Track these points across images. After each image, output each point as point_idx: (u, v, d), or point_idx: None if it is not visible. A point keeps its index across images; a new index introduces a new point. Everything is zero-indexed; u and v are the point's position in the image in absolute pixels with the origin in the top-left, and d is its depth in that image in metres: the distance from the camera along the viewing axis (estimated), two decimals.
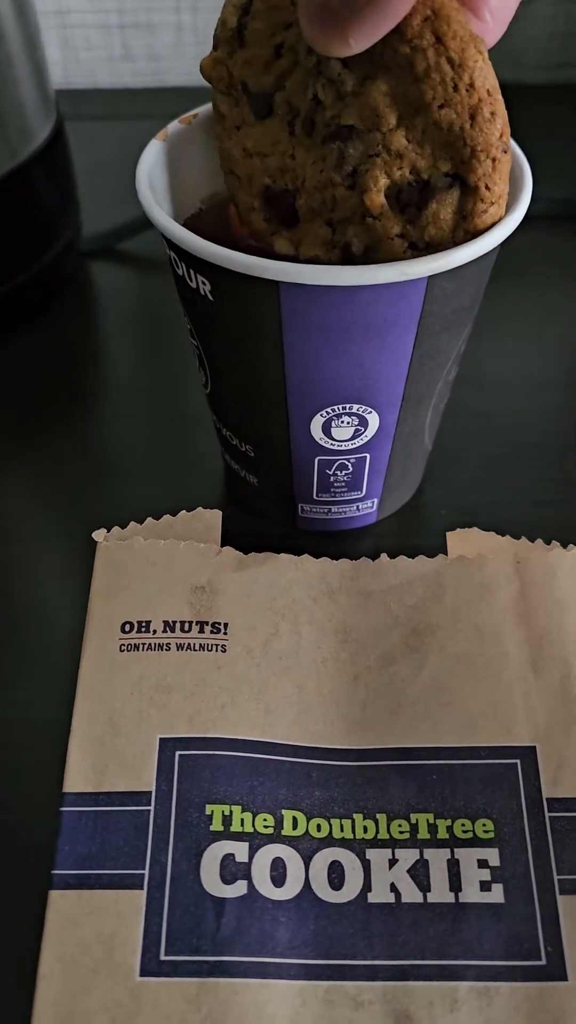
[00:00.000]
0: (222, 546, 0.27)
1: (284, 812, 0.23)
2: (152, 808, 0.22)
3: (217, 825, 0.22)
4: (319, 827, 0.23)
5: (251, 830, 0.22)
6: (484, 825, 0.23)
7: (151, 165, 0.27)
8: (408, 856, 0.22)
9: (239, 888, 0.22)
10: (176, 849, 0.22)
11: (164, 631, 0.25)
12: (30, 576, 0.31)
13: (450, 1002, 0.20)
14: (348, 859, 0.22)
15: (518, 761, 0.23)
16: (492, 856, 0.22)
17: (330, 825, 0.23)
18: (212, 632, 0.25)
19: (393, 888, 0.22)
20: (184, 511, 0.28)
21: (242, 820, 0.22)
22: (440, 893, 0.22)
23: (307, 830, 0.23)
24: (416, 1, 0.20)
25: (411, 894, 0.22)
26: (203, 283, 0.25)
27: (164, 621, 0.25)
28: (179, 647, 0.25)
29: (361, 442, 0.28)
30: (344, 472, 0.29)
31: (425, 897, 0.22)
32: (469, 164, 0.22)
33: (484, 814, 0.23)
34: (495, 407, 0.36)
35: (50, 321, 0.41)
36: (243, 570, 0.26)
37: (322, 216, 0.24)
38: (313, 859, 0.22)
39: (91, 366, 0.39)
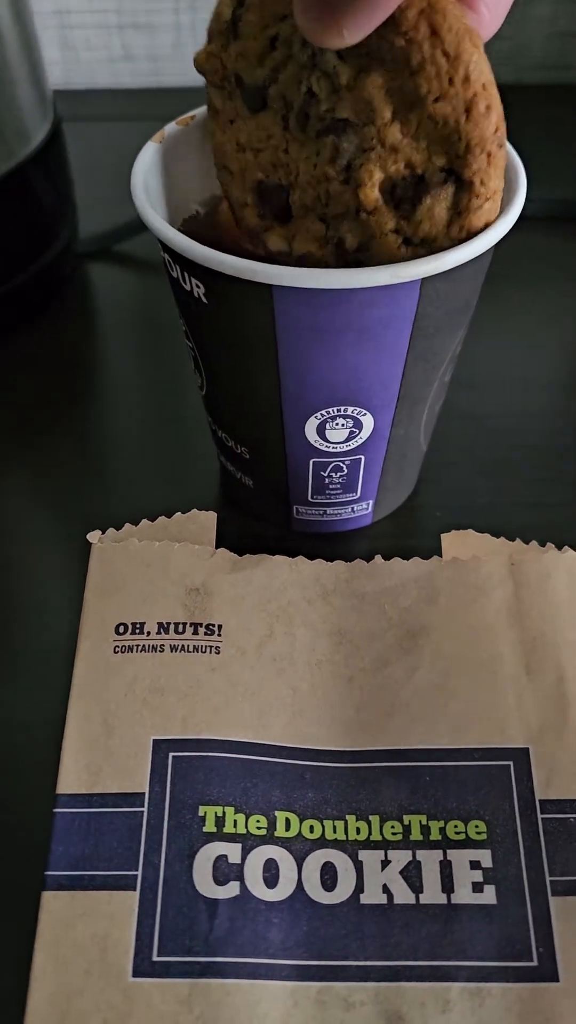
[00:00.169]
0: (217, 548, 0.27)
1: (277, 813, 0.23)
2: (145, 809, 0.23)
3: (210, 826, 0.22)
4: (312, 828, 0.23)
5: (244, 831, 0.22)
6: (477, 826, 0.23)
7: (147, 167, 0.27)
8: (401, 857, 0.22)
9: (232, 889, 0.22)
10: (169, 850, 0.22)
11: (158, 633, 0.25)
12: (26, 577, 0.31)
13: (442, 1003, 0.20)
14: (341, 860, 0.22)
15: (511, 763, 0.23)
16: (485, 857, 0.22)
17: (323, 826, 0.23)
18: (206, 634, 0.25)
19: (385, 889, 0.22)
20: (179, 513, 0.28)
21: (235, 821, 0.22)
22: (432, 894, 0.22)
23: (300, 831, 0.23)
24: None
25: (403, 895, 0.22)
26: (197, 286, 0.25)
27: (158, 623, 0.25)
28: (173, 649, 0.25)
29: (356, 444, 0.28)
30: (339, 474, 0.29)
31: (417, 898, 0.22)
32: (464, 159, 0.21)
33: (477, 815, 0.23)
34: (491, 409, 0.36)
35: (48, 322, 0.41)
36: (237, 572, 0.26)
37: (315, 212, 0.24)
38: (306, 860, 0.22)
39: (89, 367, 0.39)
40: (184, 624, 0.25)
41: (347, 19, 0.19)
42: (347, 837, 0.23)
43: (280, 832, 0.23)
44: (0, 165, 0.36)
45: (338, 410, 0.26)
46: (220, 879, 0.22)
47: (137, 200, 0.25)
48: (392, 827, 0.23)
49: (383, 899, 0.22)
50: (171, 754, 0.23)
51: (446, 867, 0.22)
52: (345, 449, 0.28)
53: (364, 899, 0.22)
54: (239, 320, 0.24)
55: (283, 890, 0.22)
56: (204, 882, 0.22)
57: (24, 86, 0.36)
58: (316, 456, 0.28)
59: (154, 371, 0.39)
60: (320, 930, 0.21)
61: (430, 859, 0.22)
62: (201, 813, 0.22)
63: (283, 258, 0.25)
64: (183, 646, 0.25)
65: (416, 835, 0.23)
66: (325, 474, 0.29)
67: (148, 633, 0.25)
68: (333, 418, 0.27)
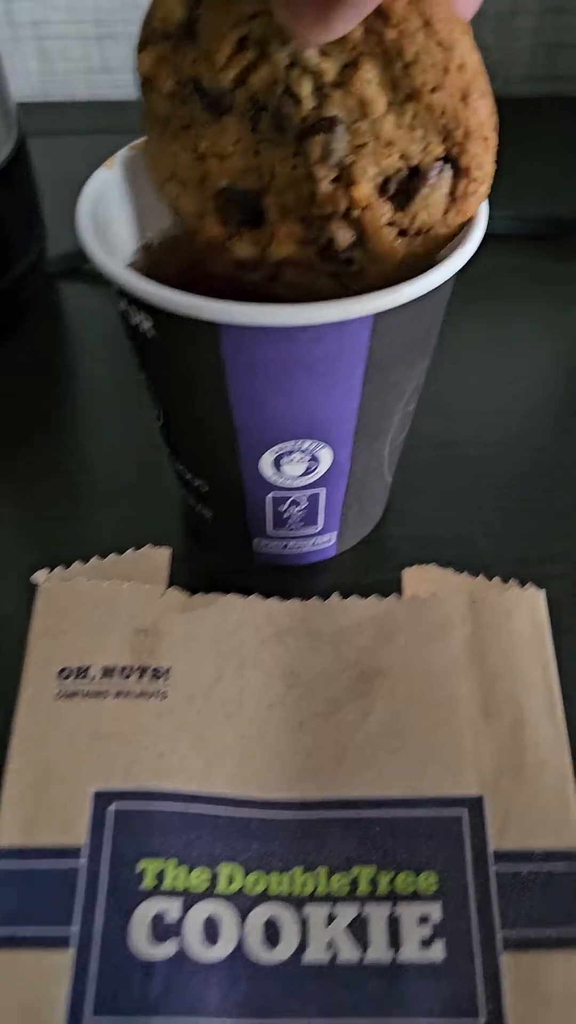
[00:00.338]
0: (175, 582, 0.27)
1: (221, 867, 0.22)
2: (84, 864, 0.22)
3: (149, 882, 0.22)
4: (256, 882, 0.22)
5: (184, 887, 0.22)
6: (427, 878, 0.22)
7: (97, 195, 0.26)
8: (347, 912, 0.22)
9: (169, 948, 0.21)
10: (106, 908, 0.21)
11: (103, 677, 0.24)
12: None
13: None
14: (285, 916, 0.22)
15: (465, 811, 0.23)
16: (434, 911, 0.22)
17: (268, 880, 0.22)
18: (153, 678, 0.24)
19: (331, 946, 0.21)
20: (131, 549, 0.27)
21: (176, 876, 0.22)
22: (379, 951, 0.21)
23: (244, 885, 0.22)
24: None
25: (349, 952, 0.21)
26: (144, 320, 0.24)
27: (103, 667, 0.24)
28: (118, 694, 0.24)
29: (314, 478, 0.27)
30: (298, 508, 0.28)
31: (363, 955, 0.21)
32: (463, 145, 0.21)
33: (427, 867, 0.22)
34: (460, 436, 0.36)
35: (15, 343, 0.40)
36: (188, 612, 0.26)
37: (295, 213, 0.23)
38: (249, 915, 0.22)
39: (55, 392, 0.38)
40: (130, 668, 0.24)
41: (337, 10, 0.18)
42: (293, 891, 0.22)
43: (223, 887, 0.22)
44: None
45: (294, 444, 0.26)
46: (158, 938, 0.21)
47: (80, 228, 0.24)
48: (339, 880, 0.22)
49: (327, 957, 0.21)
50: (112, 805, 0.22)
51: (394, 922, 0.21)
52: (303, 483, 0.27)
53: (308, 957, 0.21)
54: (187, 356, 0.24)
55: (223, 948, 0.21)
56: (141, 941, 0.21)
57: None
58: (274, 490, 0.27)
59: (124, 396, 0.38)
60: (260, 989, 0.21)
61: (378, 913, 0.22)
62: (140, 868, 0.22)
63: (253, 264, 0.24)
64: (128, 691, 0.24)
65: (364, 888, 0.22)
66: (284, 508, 0.28)
67: (93, 678, 0.24)
68: (289, 452, 0.26)
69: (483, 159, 0.22)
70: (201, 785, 0.23)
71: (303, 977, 0.21)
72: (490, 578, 0.28)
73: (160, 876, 0.22)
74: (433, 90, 0.20)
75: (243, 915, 0.22)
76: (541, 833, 0.22)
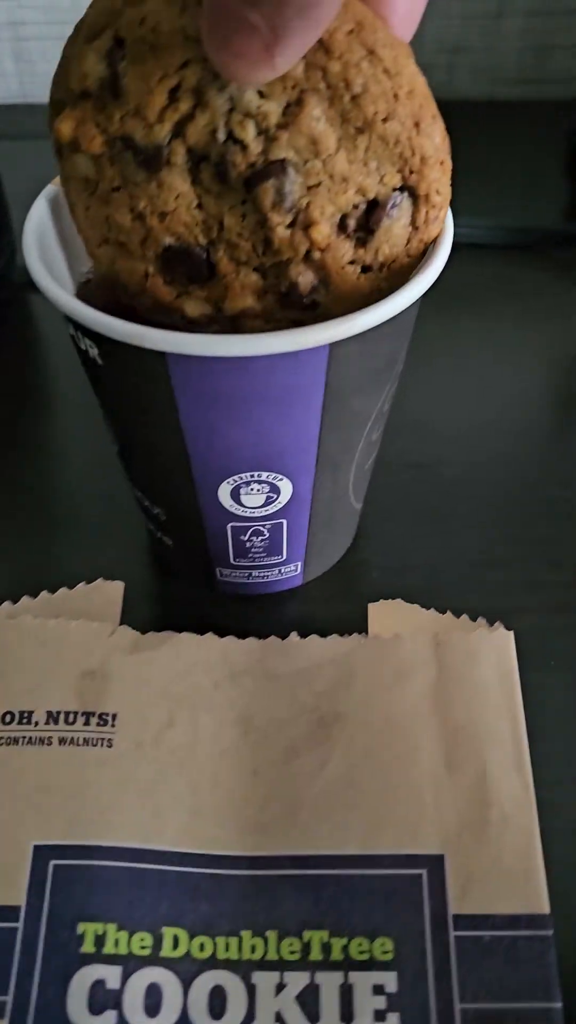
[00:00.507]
0: (134, 614, 0.25)
1: (164, 930, 0.21)
2: (21, 925, 0.21)
3: (89, 946, 0.20)
4: (202, 947, 0.21)
5: (126, 952, 0.20)
6: (383, 945, 0.21)
7: (44, 213, 0.25)
8: (298, 980, 0.20)
9: (107, 1020, 0.20)
10: (43, 973, 0.20)
11: (47, 723, 0.23)
12: None
13: None
14: (232, 984, 0.20)
15: (424, 872, 0.21)
16: (389, 981, 0.20)
17: (215, 944, 0.21)
18: (99, 724, 0.23)
19: (279, 1018, 0.20)
20: (83, 583, 0.26)
21: (116, 940, 0.21)
22: (330, 1023, 0.20)
23: (189, 950, 0.21)
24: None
25: None
26: (91, 346, 0.23)
27: (47, 712, 0.23)
28: (62, 741, 0.23)
29: (275, 509, 0.26)
30: (260, 538, 0.27)
31: None
32: (420, 172, 0.21)
33: (383, 932, 0.21)
34: (436, 457, 0.34)
35: None
36: (138, 652, 0.24)
37: (250, 264, 0.22)
38: (193, 984, 0.20)
39: (23, 407, 0.37)
40: (75, 713, 0.23)
41: (279, 45, 0.17)
42: (240, 956, 0.21)
43: (167, 951, 0.21)
44: None
45: (252, 476, 0.25)
46: (96, 1007, 0.20)
47: (25, 247, 0.23)
48: (290, 945, 0.21)
49: None
50: (52, 862, 0.21)
51: (347, 992, 0.20)
52: (264, 514, 0.26)
53: None
54: (136, 384, 0.23)
55: (166, 1018, 0.20)
56: (78, 1010, 0.20)
57: None
58: (233, 520, 0.26)
59: (89, 414, 0.37)
60: None
61: (330, 983, 0.20)
62: (80, 931, 0.21)
63: (207, 320, 0.23)
64: (73, 738, 0.23)
65: (316, 954, 0.21)
66: (245, 538, 0.27)
67: (36, 723, 0.23)
68: (247, 483, 0.25)
69: (441, 183, 0.21)
70: (147, 840, 0.22)
71: None
72: (458, 615, 0.26)
73: (99, 941, 0.21)
74: (385, 119, 0.20)
75: (187, 983, 0.20)
76: (504, 896, 0.21)
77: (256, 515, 0.26)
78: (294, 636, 0.25)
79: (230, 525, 0.26)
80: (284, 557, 0.28)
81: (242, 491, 0.25)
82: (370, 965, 0.20)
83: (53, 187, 0.25)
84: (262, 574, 0.29)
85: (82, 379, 0.38)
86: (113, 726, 0.23)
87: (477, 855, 0.22)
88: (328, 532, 0.29)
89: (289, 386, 0.22)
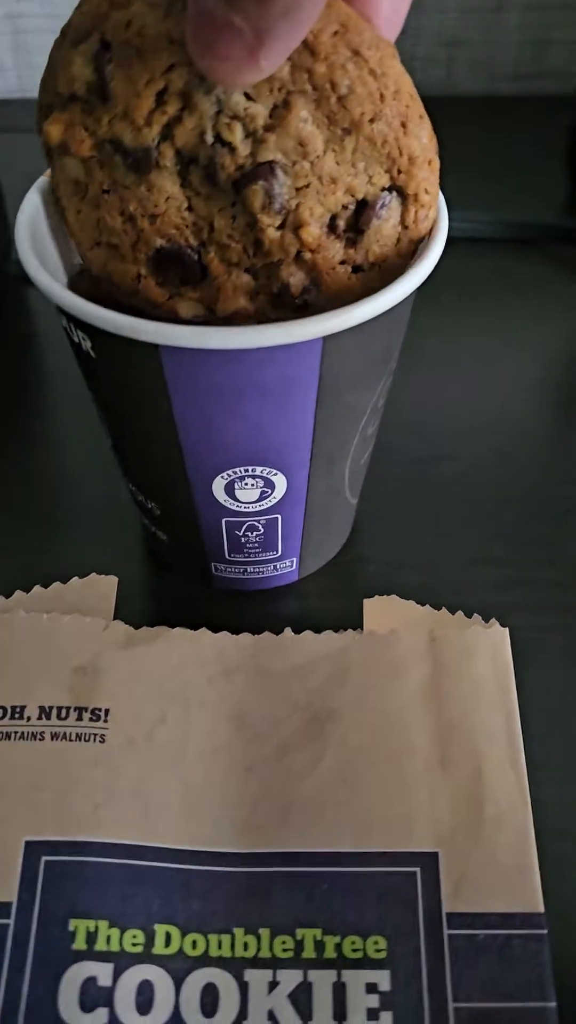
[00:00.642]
0: (129, 609, 0.25)
1: (157, 927, 0.21)
2: (12, 922, 0.20)
3: (80, 943, 0.20)
4: (195, 944, 0.21)
5: (117, 949, 0.20)
6: (376, 943, 0.21)
7: (37, 206, 0.24)
8: (291, 978, 0.20)
9: (99, 1017, 0.20)
10: (34, 970, 0.20)
11: (39, 718, 0.23)
12: None
13: None
14: (224, 981, 0.20)
15: (418, 870, 0.21)
16: (383, 980, 0.20)
17: (207, 942, 0.21)
18: (91, 720, 0.23)
19: (271, 1016, 0.20)
20: (76, 578, 0.26)
21: (108, 937, 0.20)
22: (322, 1022, 0.20)
23: (181, 947, 0.21)
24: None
25: (290, 1023, 0.20)
26: (84, 339, 0.23)
27: (40, 707, 0.23)
28: (54, 736, 0.23)
29: (270, 504, 0.26)
30: (255, 533, 0.27)
31: None
32: (408, 172, 0.21)
33: (377, 930, 0.21)
34: (434, 453, 0.34)
35: None
36: (131, 647, 0.24)
37: (241, 265, 0.22)
38: (185, 981, 0.20)
39: (20, 400, 0.37)
40: (68, 708, 0.23)
41: (263, 47, 0.17)
42: (233, 954, 0.21)
43: (159, 948, 0.21)
44: None
45: (246, 470, 0.24)
46: (87, 1005, 0.20)
47: (18, 239, 0.23)
48: (283, 943, 0.21)
49: None
50: (43, 858, 0.21)
51: (339, 991, 0.20)
52: (258, 509, 0.26)
53: None
54: (130, 377, 0.22)
55: (157, 1016, 0.20)
56: (69, 1008, 0.20)
57: None
58: (228, 515, 0.26)
59: (86, 407, 0.36)
60: None
61: (323, 981, 0.20)
62: (71, 928, 0.20)
63: (201, 322, 0.23)
64: (65, 734, 0.23)
65: (309, 952, 0.21)
66: (240, 533, 0.27)
67: (28, 719, 0.23)
68: (241, 478, 0.25)
69: (429, 183, 0.21)
70: (140, 836, 0.22)
71: None
72: (454, 611, 0.26)
73: (91, 938, 0.20)
74: (372, 120, 0.20)
75: (179, 980, 0.20)
76: (498, 894, 0.21)
77: (251, 510, 0.26)
78: (288, 632, 0.25)
79: (225, 520, 0.26)
80: (279, 553, 0.28)
81: (236, 485, 0.25)
82: (363, 963, 0.20)
83: (46, 179, 0.25)
84: (258, 570, 0.29)
85: (77, 374, 0.38)
86: (106, 722, 0.23)
87: (471, 853, 0.21)
88: (324, 528, 0.29)
89: (283, 380, 0.22)
